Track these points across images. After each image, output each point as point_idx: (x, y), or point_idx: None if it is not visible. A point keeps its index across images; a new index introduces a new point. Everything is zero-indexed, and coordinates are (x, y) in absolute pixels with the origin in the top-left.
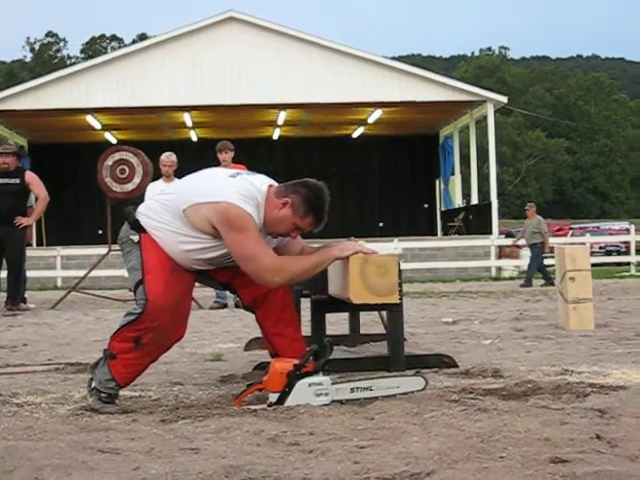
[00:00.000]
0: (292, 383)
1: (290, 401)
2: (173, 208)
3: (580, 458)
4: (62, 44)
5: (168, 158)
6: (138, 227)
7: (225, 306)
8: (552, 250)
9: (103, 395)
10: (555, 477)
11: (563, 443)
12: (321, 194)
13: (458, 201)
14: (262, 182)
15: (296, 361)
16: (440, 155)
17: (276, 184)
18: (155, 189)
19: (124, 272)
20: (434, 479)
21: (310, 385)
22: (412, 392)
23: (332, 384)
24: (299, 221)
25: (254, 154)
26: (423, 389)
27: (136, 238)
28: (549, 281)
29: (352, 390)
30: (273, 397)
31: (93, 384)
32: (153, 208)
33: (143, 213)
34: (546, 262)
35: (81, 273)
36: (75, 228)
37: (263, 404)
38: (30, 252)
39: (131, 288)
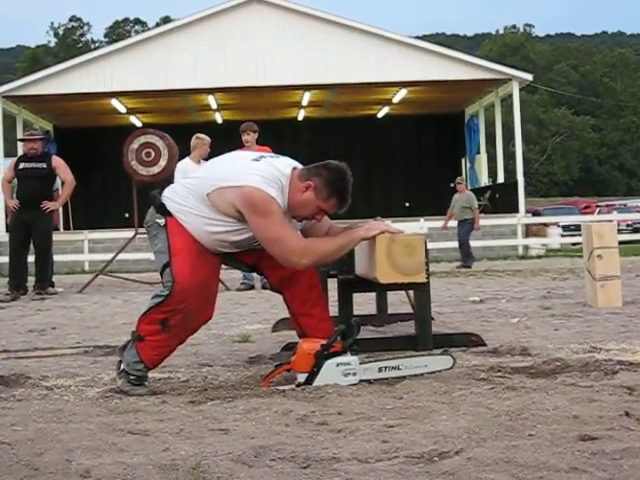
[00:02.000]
0: (320, 363)
1: (318, 381)
2: (198, 192)
3: (609, 435)
4: (86, 28)
5: (206, 139)
6: (164, 211)
7: (252, 287)
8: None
9: (132, 377)
10: (584, 454)
11: (592, 420)
12: (344, 176)
13: (484, 180)
14: (286, 165)
15: (324, 341)
16: (466, 134)
17: (300, 166)
18: (185, 168)
19: (151, 255)
20: (463, 457)
21: (338, 365)
22: (440, 371)
23: (360, 364)
24: (322, 204)
25: (279, 136)
26: (451, 368)
27: (162, 221)
28: (467, 262)
29: (380, 370)
30: (301, 377)
31: (122, 366)
32: (178, 192)
33: (168, 197)
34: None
35: (108, 256)
36: (102, 212)
37: (291, 384)
38: (57, 236)
39: (158, 271)
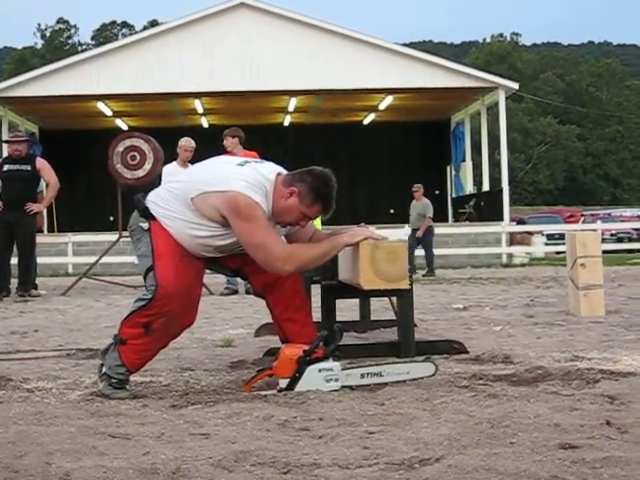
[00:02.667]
0: (302, 369)
1: (300, 387)
2: (182, 196)
3: (590, 444)
4: (73, 31)
5: (189, 144)
6: (147, 214)
7: (236, 292)
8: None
9: (113, 381)
10: (565, 463)
11: (573, 429)
12: (328, 182)
13: (469, 188)
14: (270, 170)
15: (306, 347)
16: (451, 141)
17: (284, 172)
18: (171, 172)
19: (135, 259)
20: (443, 464)
21: (320, 371)
22: (422, 378)
23: (342, 370)
24: (306, 210)
25: (265, 141)
26: (433, 375)
27: (146, 225)
28: (431, 269)
29: (362, 376)
30: (283, 383)
31: (103, 370)
32: (162, 196)
33: (152, 201)
34: (561, 248)
35: (92, 259)
36: (86, 214)
37: (273, 390)
38: (41, 238)
39: (142, 274)
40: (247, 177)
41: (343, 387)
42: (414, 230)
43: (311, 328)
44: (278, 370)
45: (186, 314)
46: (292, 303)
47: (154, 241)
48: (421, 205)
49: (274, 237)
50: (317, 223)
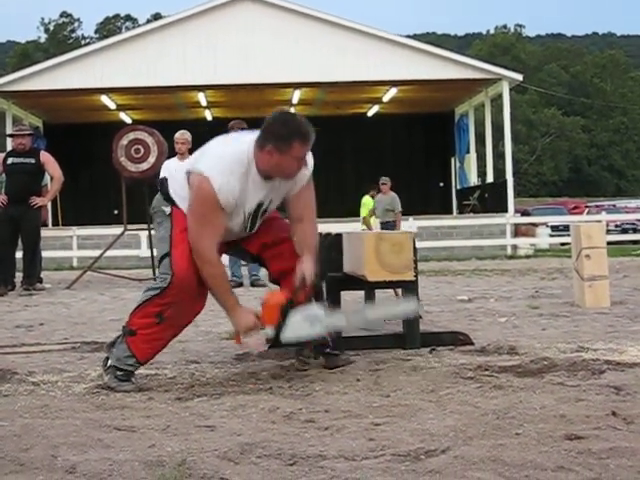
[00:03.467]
0: (286, 315)
1: (287, 333)
2: (184, 178)
3: (596, 435)
4: (76, 24)
5: (182, 136)
6: (170, 199)
7: (241, 285)
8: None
9: (119, 373)
10: (571, 454)
11: (579, 420)
12: (286, 119)
13: (473, 179)
14: (249, 142)
15: (288, 294)
16: (455, 133)
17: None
18: (170, 167)
19: (139, 252)
20: (449, 456)
21: (305, 316)
22: (404, 314)
23: (326, 314)
24: (292, 153)
25: None
26: (415, 310)
27: (168, 210)
28: None
29: (346, 317)
30: (270, 331)
31: (109, 362)
32: (179, 180)
33: (171, 185)
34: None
35: (97, 253)
36: (91, 208)
37: (278, 381)
38: (46, 232)
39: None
40: (222, 156)
41: (327, 329)
42: (382, 224)
43: None
44: (264, 318)
45: (197, 302)
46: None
47: (174, 227)
48: (389, 199)
49: (210, 233)
50: (368, 203)
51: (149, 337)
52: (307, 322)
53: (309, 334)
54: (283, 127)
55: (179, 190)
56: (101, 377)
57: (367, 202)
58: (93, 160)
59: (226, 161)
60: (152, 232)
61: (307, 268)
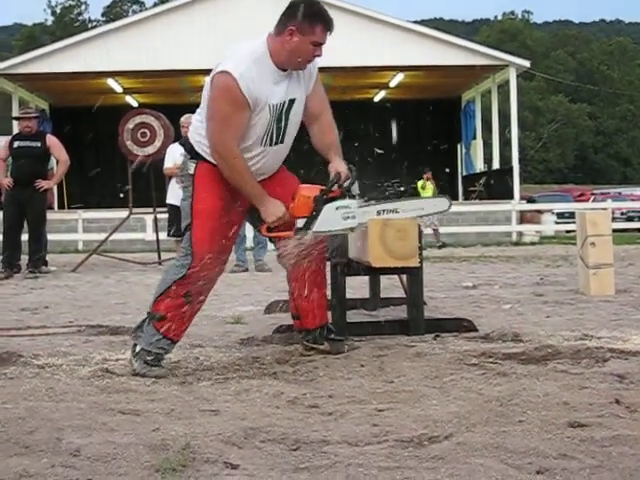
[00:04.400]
0: (319, 207)
1: (318, 225)
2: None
3: (599, 422)
4: (83, 7)
5: (187, 120)
6: (195, 154)
7: (246, 270)
8: None
9: (150, 358)
10: (574, 441)
11: (582, 407)
12: (312, 2)
13: (480, 166)
14: (263, 38)
15: (323, 187)
16: (462, 119)
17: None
18: (175, 151)
19: (145, 235)
20: (452, 442)
21: (337, 208)
22: (436, 213)
23: (359, 207)
24: (312, 36)
25: None
26: (447, 209)
27: (192, 169)
28: None
29: (379, 212)
30: (300, 222)
31: (137, 348)
32: (196, 126)
33: (193, 137)
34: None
35: (102, 236)
36: (96, 191)
37: (282, 366)
38: (51, 215)
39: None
40: (237, 53)
41: (360, 224)
42: None
43: (324, 310)
44: (295, 210)
45: (220, 269)
46: (312, 280)
47: (195, 192)
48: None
49: (233, 133)
50: (428, 188)
51: (182, 317)
52: (339, 215)
53: (342, 227)
54: (309, 9)
55: (199, 137)
56: (105, 360)
57: (426, 186)
58: (99, 143)
59: (243, 54)
60: (157, 216)
61: (339, 165)
